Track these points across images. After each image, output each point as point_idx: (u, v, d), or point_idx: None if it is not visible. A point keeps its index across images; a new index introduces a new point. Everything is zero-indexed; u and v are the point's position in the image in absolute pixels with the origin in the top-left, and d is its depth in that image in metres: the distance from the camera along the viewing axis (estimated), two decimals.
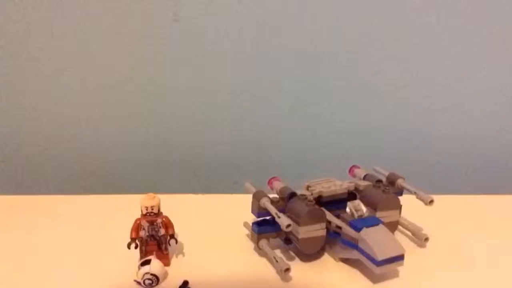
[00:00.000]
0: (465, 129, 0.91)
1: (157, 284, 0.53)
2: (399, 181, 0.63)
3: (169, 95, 0.88)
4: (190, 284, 0.53)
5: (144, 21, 0.82)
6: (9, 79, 0.86)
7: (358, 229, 0.54)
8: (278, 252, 0.60)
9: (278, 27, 0.83)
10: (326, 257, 0.60)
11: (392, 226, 0.61)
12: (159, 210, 0.55)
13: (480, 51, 0.85)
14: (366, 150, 0.91)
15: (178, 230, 0.57)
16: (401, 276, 0.55)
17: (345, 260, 0.58)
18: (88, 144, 0.90)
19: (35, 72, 0.85)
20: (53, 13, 0.81)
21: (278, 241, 0.61)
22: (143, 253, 0.56)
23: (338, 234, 0.56)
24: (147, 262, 0.53)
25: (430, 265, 0.58)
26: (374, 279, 0.54)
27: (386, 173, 0.65)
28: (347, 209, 0.58)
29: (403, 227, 0.64)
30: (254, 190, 0.60)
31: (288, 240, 0.60)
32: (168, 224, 0.56)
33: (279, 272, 0.55)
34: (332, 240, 0.58)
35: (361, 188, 0.62)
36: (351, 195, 0.62)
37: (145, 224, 0.55)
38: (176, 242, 0.57)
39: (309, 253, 0.58)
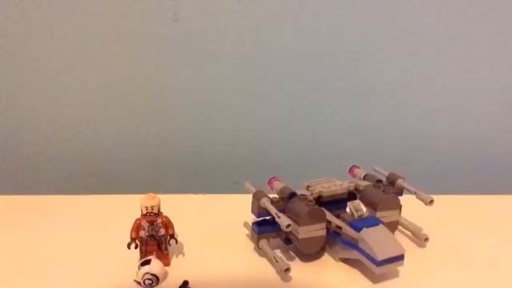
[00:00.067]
0: (465, 129, 0.91)
1: (157, 284, 0.53)
2: (399, 181, 0.63)
3: (169, 95, 0.88)
4: (190, 284, 0.53)
5: (144, 21, 0.82)
6: (9, 79, 0.86)
7: (358, 229, 0.54)
8: (278, 252, 0.60)
9: (278, 27, 0.83)
10: (326, 257, 0.60)
11: (392, 226, 0.61)
12: (159, 210, 0.55)
13: (480, 51, 0.85)
14: (366, 150, 0.91)
15: (178, 230, 0.57)
16: (401, 276, 0.55)
17: (345, 260, 0.58)
18: (88, 144, 0.90)
19: (35, 72, 0.85)
20: (53, 13, 0.81)
21: (278, 241, 0.61)
22: (143, 253, 0.56)
23: (338, 234, 0.56)
24: (147, 262, 0.53)
25: (430, 265, 0.58)
26: (374, 279, 0.54)
27: (386, 173, 0.65)
28: (347, 209, 0.58)
29: (403, 227, 0.64)
30: (254, 190, 0.60)
31: (288, 240, 0.60)
32: (168, 224, 0.56)
33: (279, 272, 0.55)
34: (332, 240, 0.58)
35: (361, 188, 0.62)
36: (351, 195, 0.62)
37: (145, 224, 0.55)
38: (176, 242, 0.57)
39: (309, 253, 0.58)
